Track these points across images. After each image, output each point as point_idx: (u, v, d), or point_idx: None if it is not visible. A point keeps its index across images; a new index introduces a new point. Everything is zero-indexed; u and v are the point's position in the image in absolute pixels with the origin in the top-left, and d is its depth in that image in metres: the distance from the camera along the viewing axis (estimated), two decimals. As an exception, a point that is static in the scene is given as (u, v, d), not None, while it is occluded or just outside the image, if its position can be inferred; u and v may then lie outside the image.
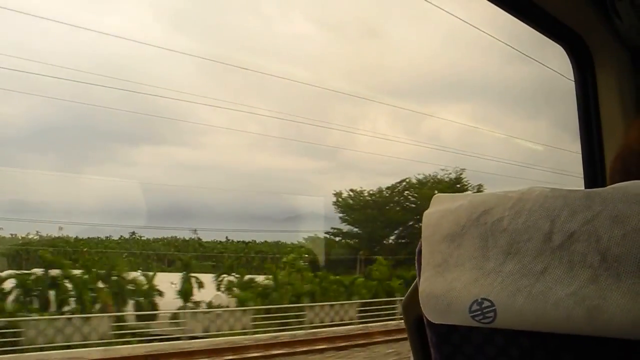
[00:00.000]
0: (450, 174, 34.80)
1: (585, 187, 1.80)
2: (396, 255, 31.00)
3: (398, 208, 35.00)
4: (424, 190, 34.09)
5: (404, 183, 35.10)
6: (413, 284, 0.85)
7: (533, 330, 0.64)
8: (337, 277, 25.88)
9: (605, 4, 1.71)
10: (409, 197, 35.28)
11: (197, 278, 21.80)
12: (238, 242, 38.64)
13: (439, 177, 34.69)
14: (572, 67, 1.85)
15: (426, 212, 0.79)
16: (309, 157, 43.08)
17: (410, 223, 33.83)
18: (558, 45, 1.86)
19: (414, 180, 34.89)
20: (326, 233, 33.24)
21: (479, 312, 0.66)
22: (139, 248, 34.06)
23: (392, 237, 35.16)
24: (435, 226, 0.76)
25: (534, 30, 1.79)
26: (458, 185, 34.43)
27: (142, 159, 38.30)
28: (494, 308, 0.65)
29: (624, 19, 1.73)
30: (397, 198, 35.50)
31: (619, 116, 1.74)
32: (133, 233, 35.10)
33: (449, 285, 0.70)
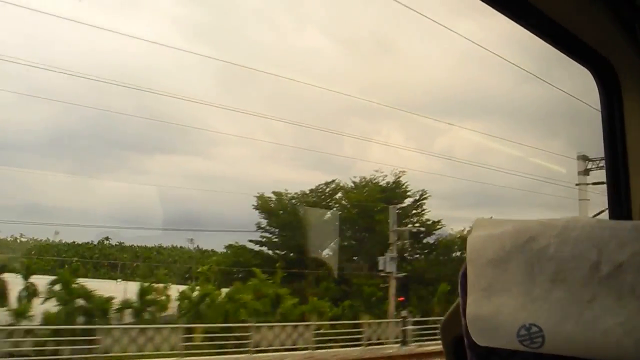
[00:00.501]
0: (385, 176, 31.78)
1: (610, 213, 1.75)
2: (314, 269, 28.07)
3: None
4: (352, 194, 31.18)
5: (333, 185, 31.88)
6: (453, 305, 0.88)
7: (580, 357, 0.64)
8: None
9: (633, 25, 1.66)
10: (342, 201, 31.88)
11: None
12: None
13: (374, 180, 31.63)
14: (598, 91, 1.80)
15: (470, 236, 0.80)
16: (320, 171, 43.12)
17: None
18: (578, 66, 1.82)
19: (350, 184, 31.90)
20: (251, 241, 30.54)
21: (526, 337, 0.67)
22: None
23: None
24: (480, 250, 0.76)
25: (555, 51, 1.76)
26: (398, 190, 31.87)
27: (154, 167, 38.58)
28: (542, 333, 0.66)
29: None
30: (325, 202, 31.88)
31: None
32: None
33: (496, 309, 0.71)
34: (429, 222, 32.69)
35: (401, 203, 31.41)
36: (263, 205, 30.69)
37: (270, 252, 30.90)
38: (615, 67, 1.74)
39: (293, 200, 31.54)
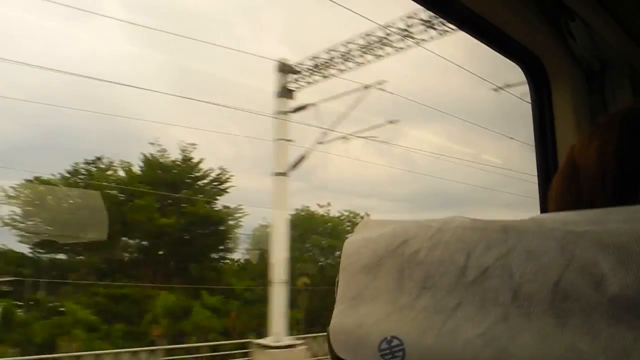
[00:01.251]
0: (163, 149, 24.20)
1: (540, 206, 1.81)
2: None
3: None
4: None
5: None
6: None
7: None
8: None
9: (559, 24, 1.73)
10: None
11: None
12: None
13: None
14: (529, 87, 1.87)
15: (348, 240, 0.76)
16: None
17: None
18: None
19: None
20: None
21: (387, 351, 0.63)
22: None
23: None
24: (354, 255, 0.72)
25: (498, 55, 1.82)
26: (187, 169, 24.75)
27: None
28: (402, 347, 0.62)
29: (578, 40, 1.76)
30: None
31: (574, 136, 1.76)
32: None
33: (360, 320, 0.67)
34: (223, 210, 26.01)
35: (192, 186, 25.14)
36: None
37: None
38: (544, 63, 1.81)
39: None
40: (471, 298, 0.61)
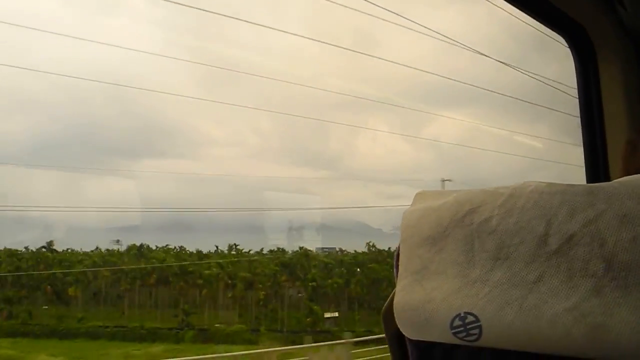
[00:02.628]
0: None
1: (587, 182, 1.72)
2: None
3: None
4: None
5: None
6: (392, 292, 0.77)
7: (525, 350, 0.55)
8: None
9: None
10: None
11: None
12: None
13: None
14: (574, 59, 1.77)
15: (406, 211, 0.70)
16: (309, 167, 43.04)
17: None
18: (556, 50, 1.80)
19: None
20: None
21: (461, 329, 0.57)
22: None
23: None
24: (415, 227, 0.67)
25: (535, 32, 1.73)
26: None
27: (143, 172, 38.22)
28: (479, 324, 0.56)
29: (628, 7, 1.65)
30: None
31: (622, 109, 1.67)
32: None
33: (427, 295, 0.61)
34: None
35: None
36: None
37: None
38: (590, 33, 1.71)
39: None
40: (555, 269, 0.55)
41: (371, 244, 33.68)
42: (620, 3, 1.64)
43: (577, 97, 1.76)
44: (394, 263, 0.70)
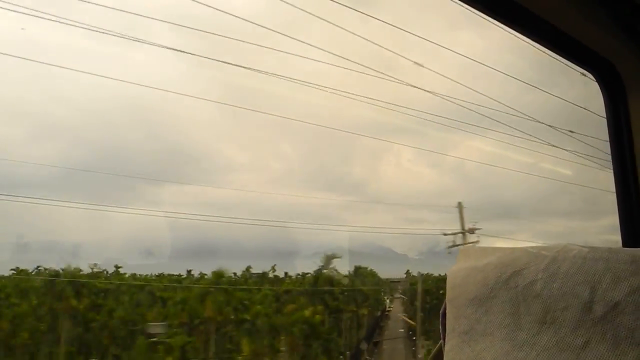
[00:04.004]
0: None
1: (621, 224, 1.69)
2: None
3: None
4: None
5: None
6: (437, 346, 0.78)
7: None
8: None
9: (636, 29, 1.62)
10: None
11: None
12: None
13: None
14: (603, 96, 1.75)
15: (451, 270, 0.71)
16: (333, 192, 43.01)
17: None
18: (580, 73, 1.78)
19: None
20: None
21: None
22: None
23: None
24: (461, 287, 0.67)
25: (556, 59, 1.72)
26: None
27: (168, 198, 38.67)
28: None
29: None
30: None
31: None
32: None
33: (476, 356, 0.61)
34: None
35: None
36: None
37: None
38: (619, 70, 1.70)
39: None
40: (601, 336, 0.55)
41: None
42: None
43: (608, 138, 1.74)
44: (440, 321, 0.70)
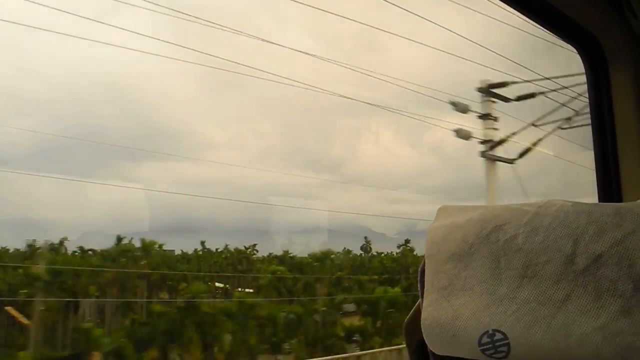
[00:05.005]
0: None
1: (599, 197, 1.70)
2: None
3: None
4: None
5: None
6: (416, 304, 0.76)
7: None
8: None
9: (620, 1, 1.62)
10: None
11: None
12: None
13: None
14: (585, 69, 1.76)
15: (430, 227, 0.70)
16: (312, 171, 42.95)
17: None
18: (565, 53, 1.78)
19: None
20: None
21: (489, 346, 0.57)
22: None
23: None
24: (441, 243, 0.67)
25: (540, 35, 1.72)
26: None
27: (145, 175, 38.18)
28: (507, 341, 0.56)
29: None
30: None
31: (635, 121, 1.65)
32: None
33: (455, 312, 0.61)
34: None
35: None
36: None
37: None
38: (602, 43, 1.70)
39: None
40: (583, 288, 0.55)
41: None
42: (631, 12, 1.63)
43: (589, 110, 1.74)
44: (419, 278, 0.70)
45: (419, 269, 0.70)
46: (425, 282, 0.67)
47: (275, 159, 38.50)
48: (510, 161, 10.85)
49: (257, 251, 31.04)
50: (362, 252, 33.34)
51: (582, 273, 0.55)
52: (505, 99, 10.97)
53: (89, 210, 30.79)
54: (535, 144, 10.62)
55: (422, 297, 0.68)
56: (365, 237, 33.19)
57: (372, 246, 33.44)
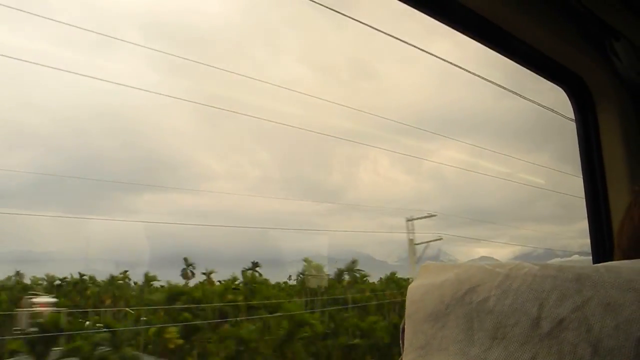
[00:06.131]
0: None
1: (590, 232, 1.75)
2: None
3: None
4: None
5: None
6: None
7: None
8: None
9: (604, 44, 1.69)
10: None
11: None
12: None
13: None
14: (573, 109, 1.82)
15: (411, 286, 0.73)
16: (311, 200, 42.87)
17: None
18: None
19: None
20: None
21: None
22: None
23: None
24: (419, 302, 0.70)
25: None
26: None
27: (144, 206, 38.14)
28: None
29: (623, 60, 1.71)
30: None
31: (622, 157, 1.71)
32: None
33: None
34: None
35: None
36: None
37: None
38: (588, 84, 1.76)
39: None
40: (547, 351, 0.58)
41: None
42: (615, 55, 1.70)
43: (578, 148, 1.80)
44: (400, 336, 0.73)
45: (400, 327, 0.73)
46: (405, 341, 0.70)
47: (273, 188, 38.47)
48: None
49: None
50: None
51: (546, 336, 0.58)
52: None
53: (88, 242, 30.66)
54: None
55: (402, 355, 0.71)
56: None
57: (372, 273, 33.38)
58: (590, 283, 0.59)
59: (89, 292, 29.63)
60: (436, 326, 0.67)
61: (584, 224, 1.75)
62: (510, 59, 1.66)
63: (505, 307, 0.62)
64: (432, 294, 0.69)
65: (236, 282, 30.62)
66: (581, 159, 1.80)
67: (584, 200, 1.78)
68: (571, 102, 1.82)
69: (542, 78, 1.76)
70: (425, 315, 0.68)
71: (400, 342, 0.73)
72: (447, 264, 0.74)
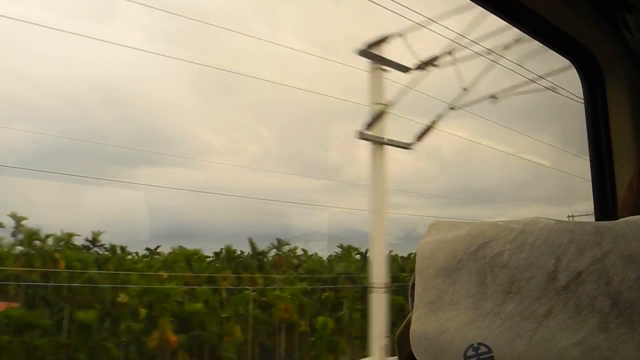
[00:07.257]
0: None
1: (595, 210, 1.73)
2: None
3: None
4: None
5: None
6: (407, 318, 0.79)
7: None
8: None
9: (615, 17, 1.65)
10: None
11: None
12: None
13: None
14: (581, 83, 1.79)
15: (421, 242, 0.72)
16: (310, 177, 42.88)
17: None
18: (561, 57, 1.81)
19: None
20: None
21: (474, 359, 0.60)
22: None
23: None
24: (430, 258, 0.69)
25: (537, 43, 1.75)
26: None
27: (142, 180, 38.10)
28: (491, 355, 0.59)
29: (635, 33, 1.67)
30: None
31: (630, 134, 1.68)
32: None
33: (442, 325, 0.64)
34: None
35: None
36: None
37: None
38: (598, 58, 1.73)
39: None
40: (563, 304, 0.57)
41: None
42: (627, 28, 1.66)
43: (585, 123, 1.77)
44: (409, 292, 0.73)
45: (410, 283, 0.73)
46: (415, 296, 0.69)
47: (272, 164, 38.49)
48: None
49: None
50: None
51: (563, 290, 0.57)
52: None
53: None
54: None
55: (412, 310, 0.70)
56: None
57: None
58: (611, 235, 0.58)
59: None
60: (448, 281, 0.66)
61: (583, 205, 1.72)
62: (521, 30, 1.62)
63: (520, 261, 0.61)
64: (444, 250, 0.68)
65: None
66: (588, 136, 1.77)
67: (590, 177, 1.76)
68: (580, 77, 1.79)
69: (546, 55, 1.72)
70: (436, 271, 0.68)
71: (409, 298, 0.72)
72: (457, 221, 0.72)
